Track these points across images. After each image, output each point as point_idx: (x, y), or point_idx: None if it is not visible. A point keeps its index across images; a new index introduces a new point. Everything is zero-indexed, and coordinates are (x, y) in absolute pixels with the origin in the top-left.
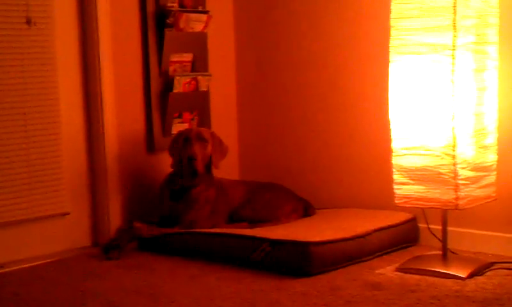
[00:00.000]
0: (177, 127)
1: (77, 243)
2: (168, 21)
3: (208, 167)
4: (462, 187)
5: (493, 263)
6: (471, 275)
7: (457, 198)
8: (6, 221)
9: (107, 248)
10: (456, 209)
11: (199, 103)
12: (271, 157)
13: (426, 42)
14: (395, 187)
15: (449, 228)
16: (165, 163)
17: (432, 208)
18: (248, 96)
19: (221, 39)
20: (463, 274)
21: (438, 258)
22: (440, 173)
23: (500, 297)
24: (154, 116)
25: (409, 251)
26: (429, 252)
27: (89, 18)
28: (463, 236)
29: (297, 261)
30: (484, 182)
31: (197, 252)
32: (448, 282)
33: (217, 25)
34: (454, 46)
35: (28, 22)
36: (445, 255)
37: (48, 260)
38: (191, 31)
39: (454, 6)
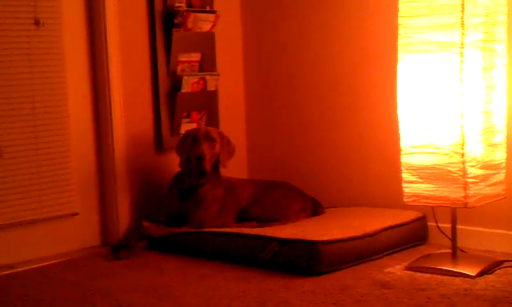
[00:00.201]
0: (185, 127)
1: (86, 243)
2: (175, 21)
3: (216, 166)
4: (471, 185)
5: (502, 261)
6: (480, 274)
7: (466, 196)
8: (16, 222)
9: (117, 248)
10: (465, 207)
11: (207, 102)
12: (280, 155)
13: (434, 40)
14: (404, 185)
15: (458, 226)
16: (173, 162)
17: (441, 206)
18: (256, 96)
19: (229, 39)
20: (472, 272)
21: (447, 256)
22: (449, 171)
23: (510, 295)
24: (162, 115)
25: (418, 250)
26: (439, 251)
27: (97, 18)
28: (472, 235)
29: (306, 260)
30: (493, 180)
31: (206, 251)
32: (458, 280)
33: (225, 24)
34: (462, 44)
35: (36, 22)
36: (455, 253)
37: (58, 260)
38: (198, 30)
39: (462, 4)
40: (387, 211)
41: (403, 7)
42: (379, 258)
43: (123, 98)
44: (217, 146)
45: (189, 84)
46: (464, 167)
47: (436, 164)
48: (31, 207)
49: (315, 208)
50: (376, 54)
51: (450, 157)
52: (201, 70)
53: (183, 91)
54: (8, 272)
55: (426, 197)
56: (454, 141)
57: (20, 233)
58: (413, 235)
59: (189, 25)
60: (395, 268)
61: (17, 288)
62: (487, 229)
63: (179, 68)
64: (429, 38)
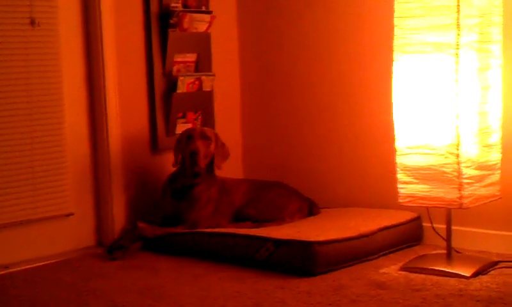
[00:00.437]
0: (181, 127)
1: (81, 243)
2: (171, 21)
3: (210, 166)
4: (466, 185)
5: (497, 262)
6: (475, 274)
7: (461, 197)
8: (10, 222)
9: (112, 248)
10: (460, 208)
11: (203, 103)
12: (275, 156)
13: (430, 41)
14: (399, 186)
15: (453, 227)
16: (169, 163)
17: (436, 207)
18: (252, 96)
19: (225, 40)
20: (467, 272)
21: (442, 257)
22: (444, 172)
23: (505, 296)
24: (158, 116)
25: (413, 250)
26: (434, 251)
27: (93, 18)
28: (467, 235)
29: (302, 261)
30: (488, 181)
31: (201, 252)
32: (453, 281)
33: (221, 25)
34: (457, 45)
35: (32, 22)
36: (450, 254)
37: (53, 261)
38: (194, 31)
39: (458, 5)
40: (382, 211)
41: (399, 8)
42: (375, 258)
43: (119, 98)
44: (212, 145)
45: (184, 85)
46: (459, 168)
47: (431, 165)
48: (26, 207)
49: (310, 209)
50: (372, 55)
51: (446, 157)
52: (196, 70)
53: (178, 91)
54: (3, 272)
55: (421, 198)
56: (449, 142)
57: (15, 234)
58: (408, 235)
59: (185, 25)
60: (391, 269)
61: (12, 288)
62: (482, 230)
63: (175, 68)
64: (424, 38)
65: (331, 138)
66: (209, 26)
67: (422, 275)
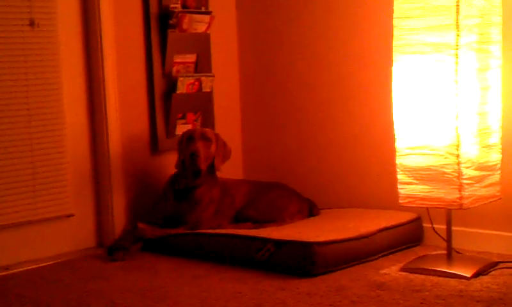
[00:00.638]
0: (181, 128)
1: (81, 244)
2: (171, 22)
3: (211, 167)
4: (466, 186)
5: (497, 263)
6: (476, 275)
7: (461, 198)
8: (11, 223)
9: (112, 249)
10: (460, 208)
11: (202, 104)
12: (275, 157)
13: (429, 42)
14: (399, 186)
15: (454, 228)
16: (169, 164)
17: (436, 207)
18: (252, 97)
19: (224, 40)
20: (467, 273)
21: (442, 257)
22: (444, 173)
23: (505, 296)
24: (158, 117)
25: (413, 251)
26: (434, 252)
27: (93, 19)
28: (467, 236)
29: (302, 262)
30: (488, 181)
31: (201, 252)
32: (453, 281)
33: (220, 25)
34: (457, 45)
35: (31, 23)
36: (450, 255)
37: (53, 262)
38: (194, 31)
39: (457, 5)
40: (382, 212)
41: (398, 8)
42: (375, 259)
43: (119, 99)
44: (213, 146)
45: (184, 85)
46: (459, 169)
47: (431, 166)
48: (26, 208)
49: (310, 210)
50: (371, 56)
51: (445, 158)
52: (196, 71)
53: (178, 92)
54: (4, 273)
55: (421, 199)
56: (449, 142)
57: (15, 234)
58: (409, 236)
59: (184, 26)
60: (391, 270)
61: (13, 289)
62: (482, 231)
63: (174, 69)
64: (424, 39)
65: (331, 139)
66: (208, 27)
67: (422, 276)
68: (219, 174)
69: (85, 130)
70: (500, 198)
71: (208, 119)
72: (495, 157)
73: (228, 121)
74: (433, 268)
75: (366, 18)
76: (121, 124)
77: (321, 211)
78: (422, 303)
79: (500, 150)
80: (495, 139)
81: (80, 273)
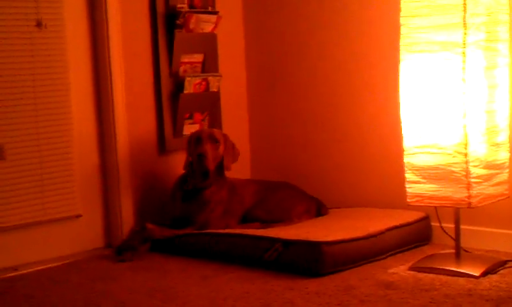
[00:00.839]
0: (188, 128)
1: (89, 245)
2: (177, 22)
3: (220, 168)
4: (474, 185)
5: (506, 261)
6: (484, 274)
7: (469, 196)
8: (19, 224)
9: (120, 250)
10: (469, 207)
11: (210, 103)
12: (283, 156)
13: (436, 40)
14: (407, 185)
15: (462, 226)
16: (176, 164)
17: (444, 206)
18: (259, 96)
19: (231, 40)
20: (476, 272)
21: (451, 256)
22: (452, 171)
23: None
24: (165, 117)
25: (422, 250)
26: (442, 251)
27: (100, 19)
28: (475, 235)
29: (310, 261)
30: (496, 180)
31: (209, 253)
32: (462, 280)
33: (227, 25)
34: (464, 44)
35: (38, 24)
36: (458, 254)
37: (61, 262)
38: (200, 31)
39: (464, 4)
40: (390, 211)
41: (405, 7)
42: (383, 258)
43: (126, 99)
44: (221, 148)
45: (191, 85)
46: (467, 167)
47: (439, 164)
48: (35, 209)
49: (318, 209)
50: (379, 55)
51: (453, 157)
52: (203, 71)
53: (185, 92)
54: (12, 274)
55: (429, 198)
56: (457, 141)
57: (23, 235)
58: (417, 235)
59: (191, 26)
60: (399, 269)
61: (21, 289)
62: (490, 229)
63: (181, 69)
64: (431, 37)
65: (338, 138)
66: (215, 26)
67: (431, 275)
68: (227, 174)
69: (93, 130)
70: (509, 197)
71: (215, 119)
72: (503, 156)
73: (235, 121)
74: (442, 267)
75: (373, 17)
76: (129, 124)
77: (329, 210)
78: (430, 302)
79: (508, 148)
80: (503, 137)
81: (89, 273)
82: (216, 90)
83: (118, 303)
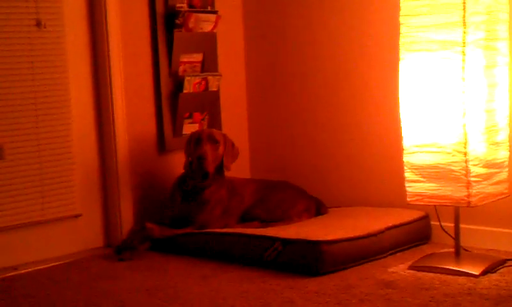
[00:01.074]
0: (188, 128)
1: (89, 244)
2: (177, 21)
3: (220, 168)
4: (474, 184)
5: (506, 260)
6: (484, 273)
7: (469, 195)
8: (19, 223)
9: (120, 249)
10: (468, 206)
11: (209, 103)
12: (282, 156)
13: (436, 39)
14: (407, 184)
15: (461, 225)
16: (176, 163)
17: (444, 205)
18: (258, 96)
19: (231, 39)
20: (476, 271)
21: (450, 255)
22: (452, 170)
23: None
24: (165, 116)
25: (421, 249)
26: (442, 250)
27: (99, 19)
28: (475, 234)
29: (309, 260)
30: (496, 179)
31: (209, 252)
32: (461, 279)
33: (227, 25)
34: (464, 42)
35: (38, 24)
36: (458, 252)
37: (61, 262)
38: (200, 31)
39: (464, 3)
40: (390, 210)
41: (405, 6)
42: (383, 257)
43: (125, 99)
44: (221, 148)
45: (191, 85)
46: (467, 166)
47: (438, 163)
48: (34, 209)
49: (318, 208)
50: (378, 53)
51: (453, 155)
52: (203, 70)
53: (185, 91)
54: (12, 273)
55: (429, 197)
56: (456, 140)
57: (23, 235)
58: (416, 234)
59: (191, 25)
60: (399, 268)
61: (21, 289)
62: (490, 228)
63: (181, 68)
64: (431, 36)
65: (338, 137)
66: (215, 26)
67: (431, 274)
68: (227, 173)
69: (92, 130)
70: (508, 195)
71: (215, 118)
72: (503, 154)
73: (234, 120)
74: (441, 266)
75: (373, 16)
76: (128, 124)
77: (329, 209)
78: (430, 301)
79: (508, 147)
80: (503, 136)
81: (88, 273)
82: (215, 89)
83: (118, 302)
